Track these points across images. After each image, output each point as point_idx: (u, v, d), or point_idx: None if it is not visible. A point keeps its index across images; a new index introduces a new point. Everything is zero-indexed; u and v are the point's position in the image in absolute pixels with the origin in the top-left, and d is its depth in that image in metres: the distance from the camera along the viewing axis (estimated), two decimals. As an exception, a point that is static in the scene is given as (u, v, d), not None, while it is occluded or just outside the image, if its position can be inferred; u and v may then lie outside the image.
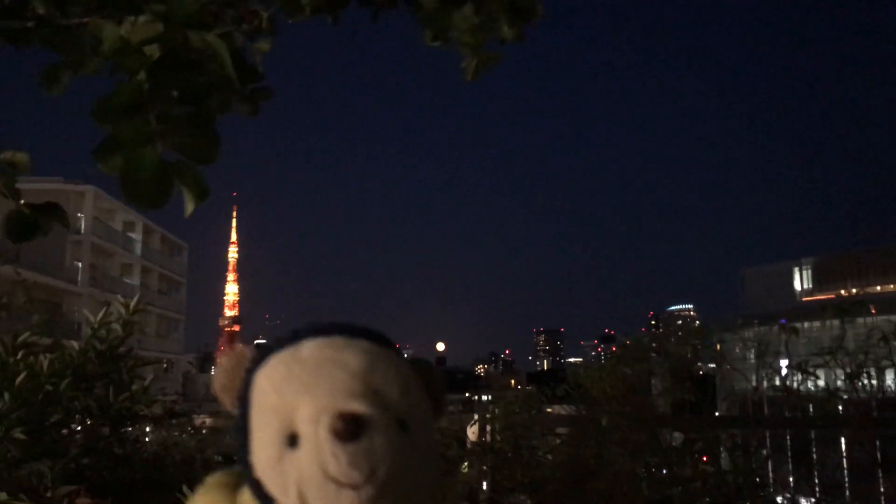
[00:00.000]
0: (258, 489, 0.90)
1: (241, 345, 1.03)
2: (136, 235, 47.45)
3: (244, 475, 0.93)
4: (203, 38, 1.10)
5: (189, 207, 1.13)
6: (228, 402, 0.98)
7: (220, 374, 1.00)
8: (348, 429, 0.82)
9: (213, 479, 0.99)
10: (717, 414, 5.37)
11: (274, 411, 0.88)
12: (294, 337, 0.97)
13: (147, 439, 5.02)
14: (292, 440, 0.85)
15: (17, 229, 1.27)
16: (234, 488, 0.96)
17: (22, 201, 1.29)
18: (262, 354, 0.98)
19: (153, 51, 1.11)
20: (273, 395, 0.90)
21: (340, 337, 0.95)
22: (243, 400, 0.95)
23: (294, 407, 0.87)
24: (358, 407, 0.84)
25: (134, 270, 46.09)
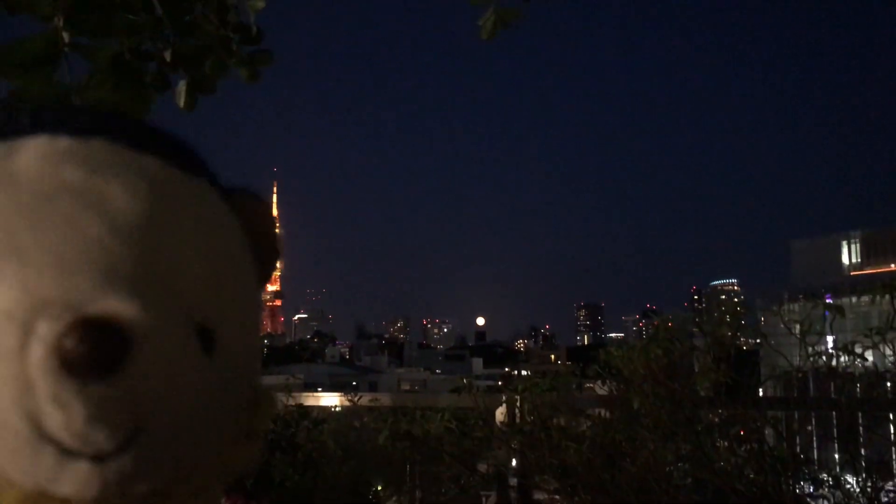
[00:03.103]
0: None
1: None
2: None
3: None
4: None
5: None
6: None
7: None
8: (95, 354, 0.41)
9: None
10: (760, 394, 5.18)
11: None
12: (5, 121, 0.51)
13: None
14: None
15: None
16: None
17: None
18: None
19: (72, -10, 0.95)
20: None
21: (101, 141, 0.50)
22: None
23: None
24: (119, 306, 0.43)
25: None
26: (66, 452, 0.43)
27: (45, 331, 0.42)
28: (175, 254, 0.48)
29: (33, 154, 0.48)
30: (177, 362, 0.46)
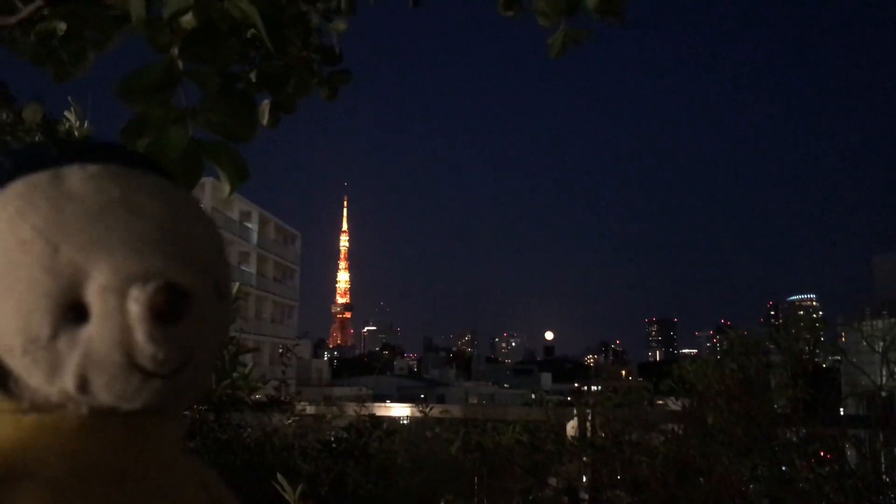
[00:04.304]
0: None
1: None
2: (253, 225, 49.37)
3: None
4: (237, 4, 1.02)
5: (226, 189, 1.05)
6: None
7: None
8: (172, 306, 0.62)
9: None
10: (841, 411, 5.03)
11: (44, 269, 0.62)
12: (39, 155, 0.68)
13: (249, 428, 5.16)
14: (75, 312, 0.62)
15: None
16: None
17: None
18: None
19: (188, 22, 1.04)
20: (41, 244, 0.63)
21: (118, 166, 0.69)
22: None
23: (81, 268, 0.62)
24: (181, 274, 0.63)
25: (250, 258, 48.01)
26: (146, 375, 0.63)
27: (138, 294, 0.61)
28: (194, 235, 0.69)
29: (78, 178, 0.66)
30: (210, 310, 0.67)
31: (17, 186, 0.66)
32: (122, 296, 0.62)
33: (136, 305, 0.61)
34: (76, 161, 0.67)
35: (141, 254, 0.63)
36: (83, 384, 0.63)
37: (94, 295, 0.62)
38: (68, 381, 0.63)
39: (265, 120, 1.89)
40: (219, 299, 0.69)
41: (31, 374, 0.64)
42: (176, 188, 0.72)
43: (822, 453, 4.23)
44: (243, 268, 45.67)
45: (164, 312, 0.62)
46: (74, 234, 0.63)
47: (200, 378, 0.69)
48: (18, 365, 0.64)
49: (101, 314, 0.62)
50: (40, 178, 0.66)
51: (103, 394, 0.64)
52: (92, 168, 0.67)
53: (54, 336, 0.62)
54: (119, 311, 0.62)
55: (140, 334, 0.62)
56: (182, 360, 0.64)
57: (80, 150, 0.70)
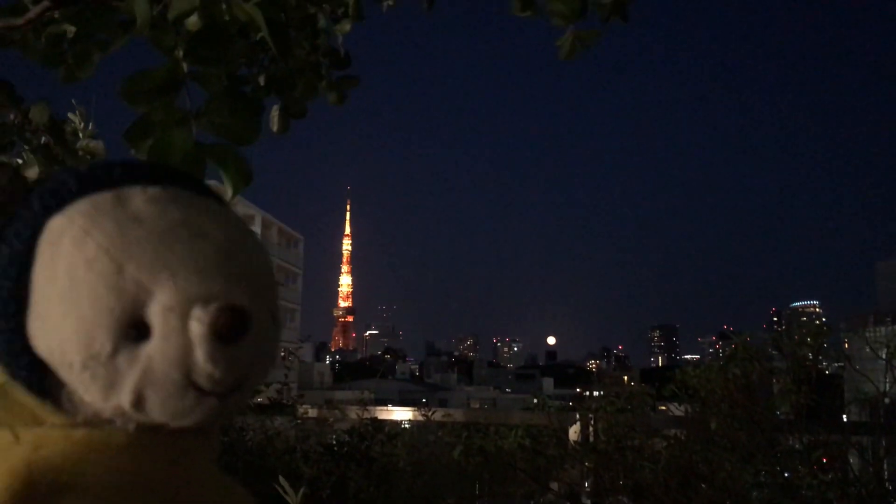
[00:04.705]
0: (45, 386, 0.66)
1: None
2: (255, 228, 49.38)
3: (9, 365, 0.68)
4: (242, 6, 1.02)
5: (230, 192, 1.05)
6: None
7: None
8: (234, 327, 0.63)
9: None
10: (844, 418, 5.01)
11: (109, 287, 0.63)
12: (102, 176, 0.69)
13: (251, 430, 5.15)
14: (136, 331, 0.63)
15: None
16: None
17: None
18: (52, 191, 0.69)
19: (193, 24, 1.04)
20: (106, 262, 0.63)
21: (174, 189, 0.70)
22: (18, 253, 0.66)
23: (144, 288, 0.63)
24: (241, 297, 0.64)
25: (253, 262, 48.01)
26: (201, 394, 0.65)
27: (201, 314, 0.63)
28: (251, 260, 0.70)
29: (141, 200, 0.67)
30: (265, 334, 0.68)
31: (81, 205, 0.67)
32: (184, 316, 0.63)
33: (198, 325, 0.63)
34: (138, 183, 0.69)
35: (203, 276, 0.64)
36: (139, 401, 0.65)
37: (157, 314, 0.63)
38: (124, 398, 0.64)
39: (275, 126, 1.89)
40: (273, 324, 0.71)
41: (87, 390, 0.65)
42: (232, 213, 0.74)
43: (825, 460, 4.21)
44: (246, 271, 45.78)
45: (225, 333, 0.63)
46: (138, 254, 0.64)
47: (246, 399, 0.72)
48: (76, 380, 0.65)
49: (163, 333, 0.63)
50: (105, 198, 0.67)
51: (157, 411, 0.65)
52: (154, 190, 0.68)
53: (115, 353, 0.63)
54: (180, 330, 0.63)
55: (200, 353, 0.63)
56: (237, 381, 0.66)
57: (141, 171, 0.71)
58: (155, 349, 0.63)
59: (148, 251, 0.64)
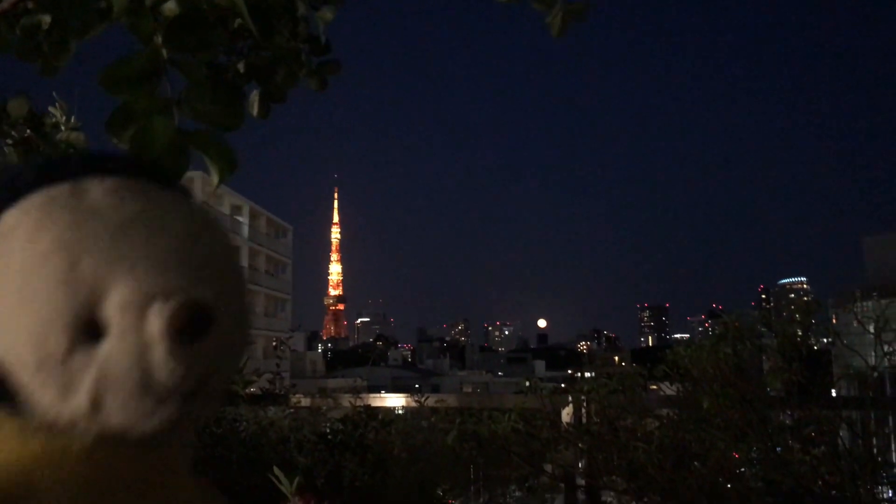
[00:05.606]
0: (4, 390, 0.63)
1: None
2: (243, 219, 49.23)
3: None
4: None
5: (215, 180, 1.03)
6: None
7: None
8: (195, 324, 0.59)
9: None
10: (833, 393, 5.04)
11: (64, 283, 0.59)
12: (59, 167, 0.66)
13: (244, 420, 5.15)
14: (92, 329, 0.60)
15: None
16: None
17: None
18: (6, 183, 0.66)
19: (171, 10, 1.02)
20: (59, 257, 0.60)
21: (134, 180, 0.67)
22: None
23: (100, 283, 0.60)
24: (205, 293, 0.61)
25: (242, 253, 47.90)
26: (162, 396, 0.61)
27: (160, 310, 0.59)
28: (214, 253, 0.66)
29: (100, 191, 0.64)
30: (229, 331, 0.64)
31: (37, 198, 0.64)
32: (142, 312, 0.59)
33: (157, 321, 0.59)
34: (96, 174, 0.65)
35: (163, 270, 0.61)
36: (97, 403, 0.61)
37: (114, 311, 0.60)
38: (82, 400, 0.61)
39: (255, 111, 1.87)
40: (237, 322, 0.67)
41: (43, 392, 0.61)
42: (195, 205, 0.70)
43: (814, 435, 4.24)
44: (235, 262, 45.72)
45: (186, 330, 0.59)
46: (94, 248, 0.60)
47: (213, 403, 0.67)
48: (31, 381, 0.61)
49: (120, 330, 0.60)
50: (61, 190, 0.64)
51: (117, 414, 0.61)
52: (112, 182, 0.65)
53: (70, 352, 0.60)
54: (138, 327, 0.59)
55: (159, 351, 0.59)
56: (199, 380, 0.62)
57: (99, 162, 0.67)
58: (112, 348, 0.60)
59: (104, 245, 0.61)
